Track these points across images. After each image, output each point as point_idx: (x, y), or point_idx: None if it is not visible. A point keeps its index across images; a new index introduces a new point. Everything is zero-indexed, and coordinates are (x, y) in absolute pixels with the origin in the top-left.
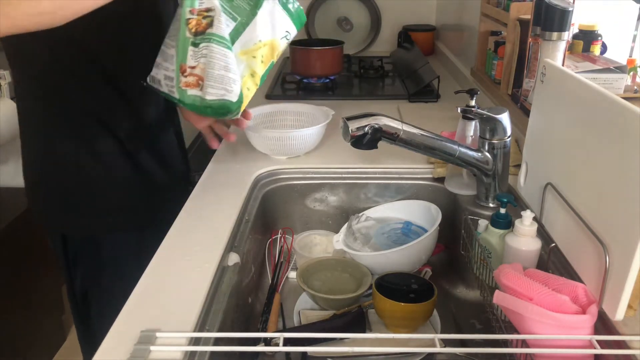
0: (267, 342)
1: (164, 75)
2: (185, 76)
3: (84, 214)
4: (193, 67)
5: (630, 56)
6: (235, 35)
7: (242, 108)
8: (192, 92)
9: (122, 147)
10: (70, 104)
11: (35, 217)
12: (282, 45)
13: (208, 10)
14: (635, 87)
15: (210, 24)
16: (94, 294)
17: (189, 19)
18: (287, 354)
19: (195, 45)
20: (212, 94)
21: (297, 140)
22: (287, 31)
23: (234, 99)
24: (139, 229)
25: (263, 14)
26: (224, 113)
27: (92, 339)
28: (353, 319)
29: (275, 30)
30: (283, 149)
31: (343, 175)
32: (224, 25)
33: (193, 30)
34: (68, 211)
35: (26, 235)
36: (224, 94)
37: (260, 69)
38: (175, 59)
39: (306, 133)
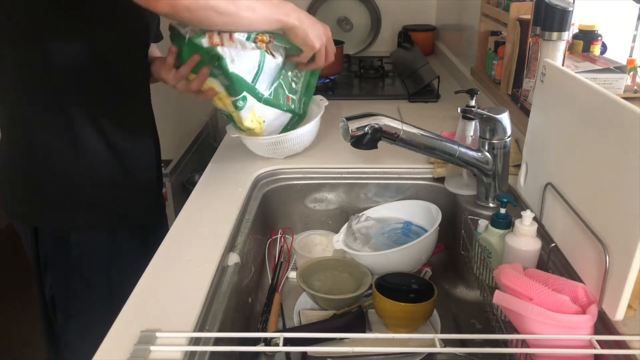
0: (267, 342)
1: None
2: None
3: (61, 209)
4: None
5: (630, 56)
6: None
7: None
8: None
9: (107, 144)
10: (61, 95)
11: (8, 211)
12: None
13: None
14: (635, 87)
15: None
16: (61, 295)
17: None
18: (287, 354)
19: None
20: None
21: (293, 141)
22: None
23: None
24: (111, 231)
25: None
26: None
27: (55, 338)
28: (353, 319)
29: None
30: (281, 151)
31: (343, 175)
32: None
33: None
34: (44, 205)
35: None
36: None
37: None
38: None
39: (300, 133)
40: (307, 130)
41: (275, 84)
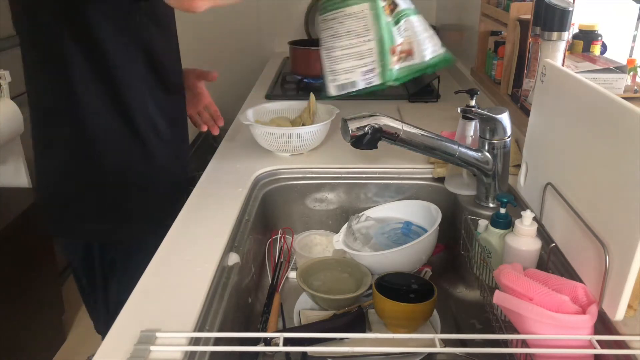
0: (267, 342)
1: (361, 72)
2: (395, 55)
3: (136, 220)
4: (400, 44)
5: (630, 56)
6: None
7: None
8: (405, 64)
9: (166, 149)
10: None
11: (58, 230)
12: None
13: None
14: (635, 87)
15: (395, 4)
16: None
17: (383, 6)
18: (287, 354)
19: (396, 24)
20: (430, 53)
21: (302, 137)
22: None
23: (444, 50)
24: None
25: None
26: (444, 65)
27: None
28: (353, 319)
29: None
30: (287, 146)
31: (343, 175)
32: (402, 1)
33: (388, 13)
34: (124, 218)
35: (26, 235)
36: (438, 50)
37: None
38: (376, 49)
39: (310, 130)
40: (315, 129)
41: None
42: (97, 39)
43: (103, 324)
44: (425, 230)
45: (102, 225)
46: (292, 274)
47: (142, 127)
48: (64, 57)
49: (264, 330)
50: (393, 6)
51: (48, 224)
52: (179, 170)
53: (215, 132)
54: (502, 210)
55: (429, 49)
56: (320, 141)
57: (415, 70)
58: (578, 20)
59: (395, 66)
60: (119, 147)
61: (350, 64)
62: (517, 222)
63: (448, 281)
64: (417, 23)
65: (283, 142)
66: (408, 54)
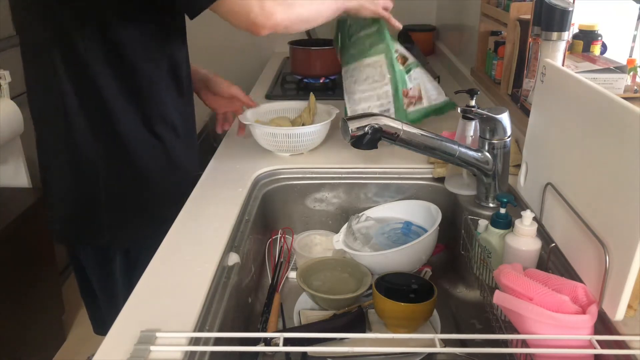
0: (267, 342)
1: (378, 111)
2: (407, 98)
3: (161, 222)
4: (411, 89)
5: (630, 56)
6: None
7: None
8: (415, 107)
9: (188, 154)
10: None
11: (84, 237)
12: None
13: (397, 50)
14: (635, 87)
15: (404, 58)
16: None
17: (397, 57)
18: (287, 354)
19: (408, 72)
20: (436, 99)
21: (301, 137)
22: None
23: (447, 98)
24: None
25: None
26: (449, 109)
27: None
28: (353, 319)
29: None
30: (287, 146)
31: (343, 175)
32: (409, 55)
33: (401, 63)
34: (131, 224)
35: (26, 235)
36: (443, 97)
37: None
38: (391, 91)
39: (310, 130)
40: (315, 129)
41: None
42: (130, 61)
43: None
44: (425, 230)
45: (133, 230)
46: (292, 274)
47: (163, 129)
48: (97, 79)
49: (264, 330)
50: (404, 59)
51: (71, 235)
52: (192, 164)
53: (242, 133)
54: (502, 210)
55: (434, 95)
56: (320, 141)
57: (424, 113)
58: (578, 20)
59: (408, 109)
60: (146, 152)
61: (368, 104)
62: (517, 222)
63: (448, 281)
64: (423, 74)
65: (283, 142)
66: (418, 99)
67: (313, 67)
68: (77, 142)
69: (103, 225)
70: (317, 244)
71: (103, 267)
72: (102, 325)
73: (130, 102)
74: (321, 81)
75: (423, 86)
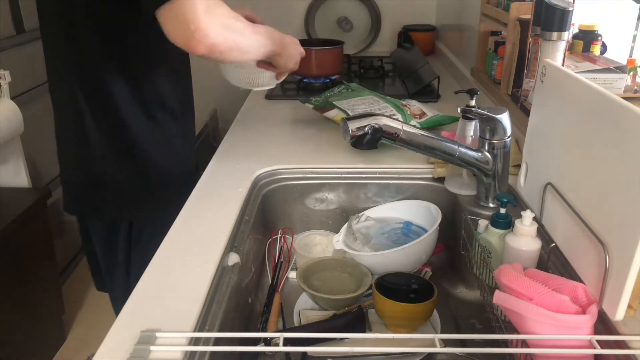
0: (267, 342)
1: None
2: (408, 109)
3: (165, 201)
4: (409, 107)
5: (630, 56)
6: None
7: None
8: (421, 120)
9: (184, 135)
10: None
11: (92, 212)
12: None
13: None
14: (635, 87)
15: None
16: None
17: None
18: (287, 354)
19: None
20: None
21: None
22: None
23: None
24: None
25: None
26: (448, 121)
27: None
28: (353, 319)
29: None
30: (250, 79)
31: (343, 175)
32: None
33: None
34: (149, 200)
35: (26, 235)
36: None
37: None
38: (390, 106)
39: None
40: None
41: None
42: (136, 63)
43: (120, 302)
44: (425, 230)
45: (139, 205)
46: (292, 274)
47: (160, 113)
48: (105, 77)
49: (264, 330)
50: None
51: (80, 210)
52: (188, 146)
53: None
54: (502, 210)
55: (434, 111)
56: (274, 84)
57: (430, 122)
58: (578, 20)
59: (414, 121)
60: (145, 133)
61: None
62: (517, 222)
63: (448, 281)
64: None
65: (245, 75)
66: (421, 116)
67: (313, 67)
68: (85, 130)
69: (107, 202)
70: (317, 244)
71: (108, 239)
72: (102, 284)
73: (126, 83)
74: (321, 81)
75: (422, 106)
